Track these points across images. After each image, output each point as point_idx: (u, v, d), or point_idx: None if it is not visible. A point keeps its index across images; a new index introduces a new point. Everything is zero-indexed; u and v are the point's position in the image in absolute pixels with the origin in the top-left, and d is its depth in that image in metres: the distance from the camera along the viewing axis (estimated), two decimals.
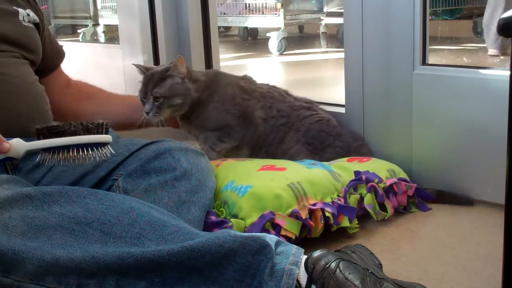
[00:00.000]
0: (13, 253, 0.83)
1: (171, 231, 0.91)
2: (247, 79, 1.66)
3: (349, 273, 0.89)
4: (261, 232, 1.16)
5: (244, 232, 1.17)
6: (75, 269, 0.84)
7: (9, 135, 1.17)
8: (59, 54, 1.51)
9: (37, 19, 1.37)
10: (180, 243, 0.88)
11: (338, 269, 0.89)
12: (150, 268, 0.86)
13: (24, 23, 1.31)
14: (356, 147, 1.60)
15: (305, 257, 0.93)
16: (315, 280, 0.89)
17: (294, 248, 0.95)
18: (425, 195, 1.48)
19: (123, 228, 0.90)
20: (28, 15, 1.33)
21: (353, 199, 1.32)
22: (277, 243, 0.94)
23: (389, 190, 1.39)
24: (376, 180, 1.37)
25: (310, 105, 1.63)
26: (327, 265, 0.90)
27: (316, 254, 0.92)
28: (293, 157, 1.53)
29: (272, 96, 1.61)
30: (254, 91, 1.61)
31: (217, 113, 1.56)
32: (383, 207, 1.36)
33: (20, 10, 1.31)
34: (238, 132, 1.57)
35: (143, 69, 1.54)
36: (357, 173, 1.37)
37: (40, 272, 0.84)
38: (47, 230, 0.87)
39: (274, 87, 1.67)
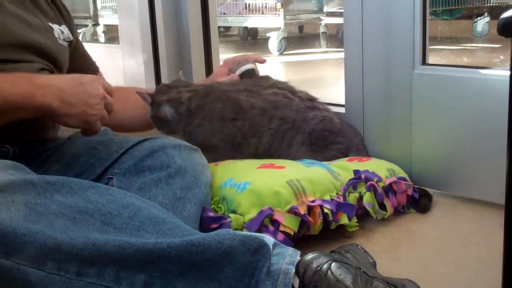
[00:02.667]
0: (15, 236, 0.83)
1: (170, 227, 0.92)
2: (249, 90, 1.54)
3: (340, 274, 0.89)
4: (259, 227, 1.16)
5: (243, 227, 1.18)
6: (76, 256, 0.84)
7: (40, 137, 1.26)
8: (86, 70, 1.42)
9: (71, 37, 1.37)
10: (180, 237, 0.89)
11: (329, 271, 0.89)
12: (150, 260, 0.86)
13: (59, 41, 1.32)
14: (357, 142, 1.60)
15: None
16: (307, 284, 0.89)
17: (290, 250, 0.95)
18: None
19: (123, 220, 0.91)
20: (63, 32, 1.33)
21: (352, 198, 1.32)
22: (274, 245, 0.94)
23: (389, 189, 1.39)
24: (376, 179, 1.37)
25: (313, 104, 1.60)
26: (319, 268, 0.90)
27: (307, 258, 0.92)
28: (297, 158, 1.50)
29: (275, 106, 1.52)
30: (253, 107, 1.51)
31: (203, 130, 1.49)
32: (382, 206, 1.36)
33: (55, 26, 1.32)
34: (227, 155, 1.49)
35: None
36: (356, 171, 1.37)
37: (41, 257, 0.84)
38: (49, 216, 0.88)
39: (280, 89, 1.58)
